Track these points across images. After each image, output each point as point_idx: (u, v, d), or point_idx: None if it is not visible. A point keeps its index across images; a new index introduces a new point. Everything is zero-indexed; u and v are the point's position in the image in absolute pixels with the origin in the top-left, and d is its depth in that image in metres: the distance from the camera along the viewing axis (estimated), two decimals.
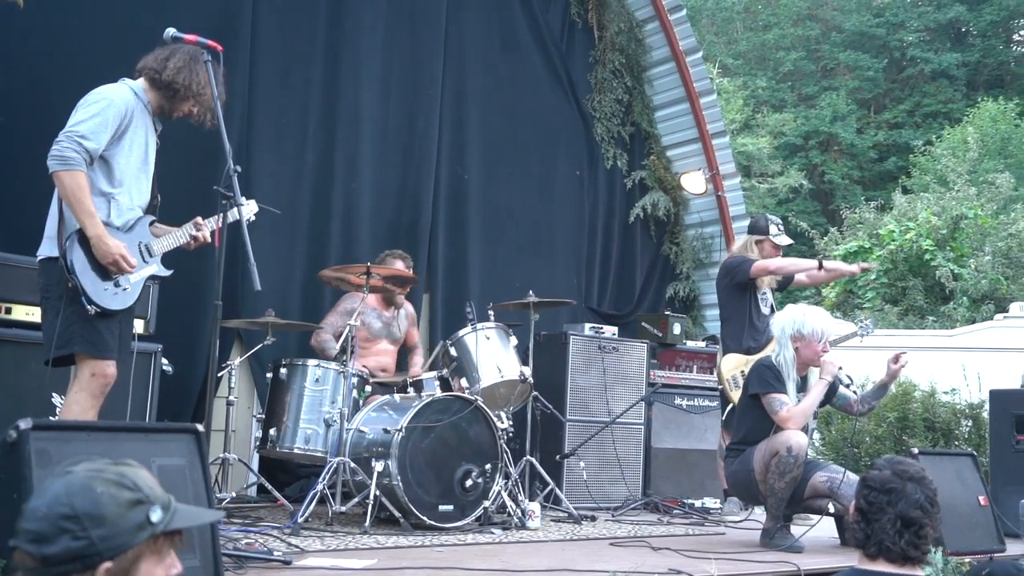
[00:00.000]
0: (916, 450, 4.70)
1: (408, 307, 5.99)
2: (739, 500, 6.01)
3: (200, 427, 3.00)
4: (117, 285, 3.58)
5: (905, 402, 8.03)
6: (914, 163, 22.46)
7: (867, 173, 26.98)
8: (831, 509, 4.54)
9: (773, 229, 5.78)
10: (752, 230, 5.92)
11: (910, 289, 15.44)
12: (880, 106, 28.10)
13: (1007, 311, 11.47)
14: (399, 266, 5.72)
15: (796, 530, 4.58)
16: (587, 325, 6.54)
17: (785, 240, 5.82)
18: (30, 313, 4.38)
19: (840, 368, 4.55)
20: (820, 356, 4.56)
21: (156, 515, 1.56)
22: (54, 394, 4.29)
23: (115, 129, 3.59)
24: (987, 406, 6.58)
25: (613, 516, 5.61)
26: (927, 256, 15.27)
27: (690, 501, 6.22)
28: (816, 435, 8.44)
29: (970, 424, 7.89)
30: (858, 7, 28.95)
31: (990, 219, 16.22)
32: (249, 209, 4.05)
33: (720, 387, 5.80)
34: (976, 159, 20.22)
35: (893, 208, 18.24)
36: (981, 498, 4.86)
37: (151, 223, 3.81)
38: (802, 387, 4.71)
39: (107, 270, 3.55)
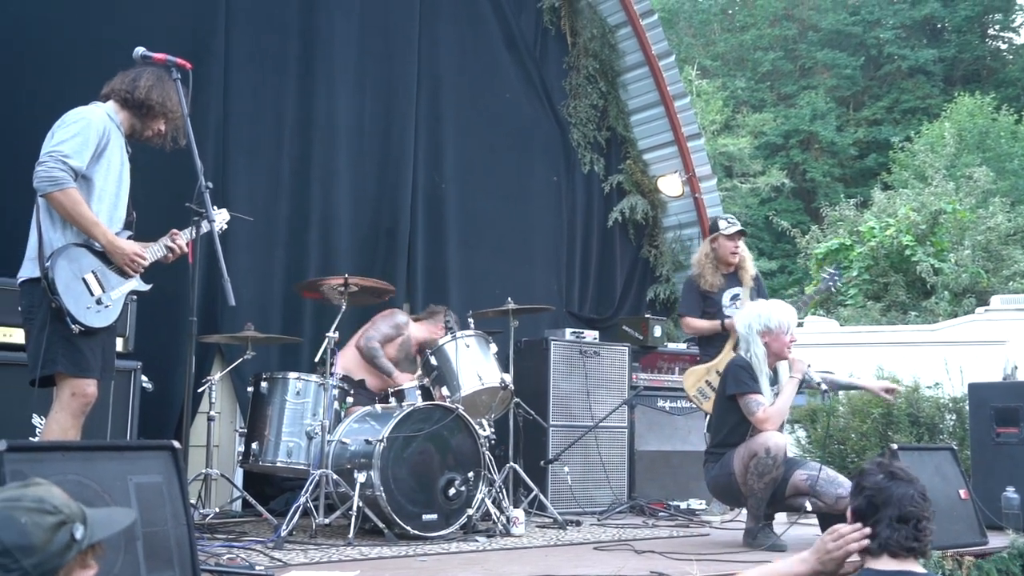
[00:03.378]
0: (895, 446, 4.73)
1: None
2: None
3: (177, 444, 3.00)
4: (99, 303, 3.60)
5: None
6: (893, 159, 22.60)
7: (848, 170, 27.16)
8: (808, 507, 4.57)
9: (723, 224, 5.91)
10: (707, 235, 6.06)
11: (892, 285, 15.53)
12: (859, 103, 28.29)
13: (988, 304, 11.54)
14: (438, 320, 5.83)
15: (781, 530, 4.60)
16: (568, 330, 6.55)
17: (734, 228, 5.90)
18: (7, 334, 4.39)
19: (809, 366, 4.58)
20: (788, 349, 4.60)
21: (79, 532, 1.60)
22: (34, 415, 4.28)
23: (95, 148, 3.62)
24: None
25: (598, 520, 5.63)
26: (907, 252, 15.37)
27: (675, 503, 6.24)
28: (801, 432, 8.48)
29: (954, 418, 7.93)
30: (834, 6, 29.16)
31: (969, 213, 16.33)
32: (221, 218, 4.07)
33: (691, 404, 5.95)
34: (954, 154, 20.36)
35: (873, 205, 18.35)
36: (962, 492, 4.87)
37: (127, 239, 3.83)
38: (773, 380, 4.73)
39: (90, 287, 3.58)
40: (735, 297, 5.82)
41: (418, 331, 5.82)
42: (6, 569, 1.51)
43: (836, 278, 6.18)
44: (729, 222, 5.90)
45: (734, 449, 4.60)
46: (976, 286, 15.21)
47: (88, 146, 3.59)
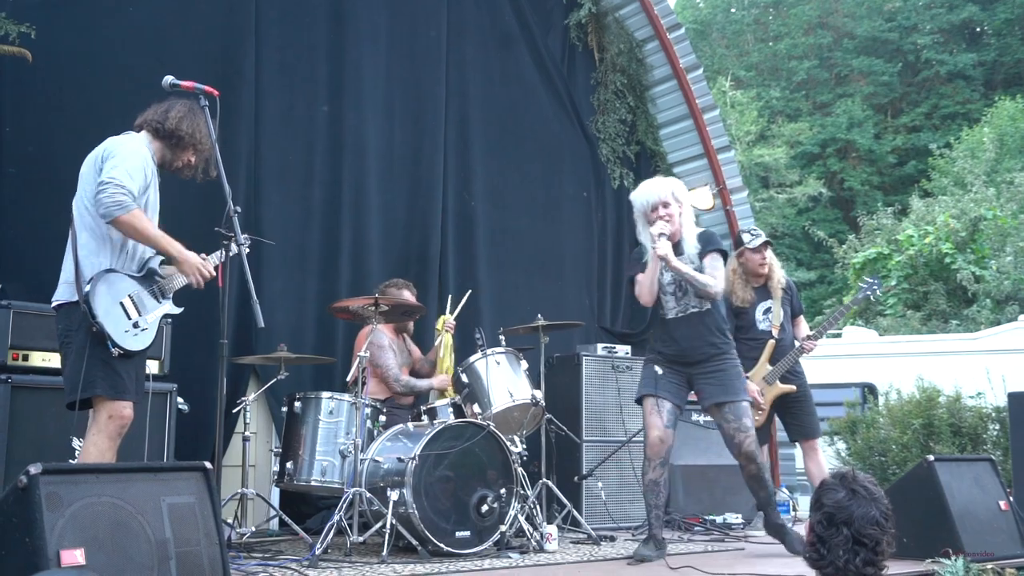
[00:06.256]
0: (932, 457, 4.67)
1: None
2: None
3: (208, 464, 3.05)
4: (136, 326, 3.69)
5: (930, 408, 7.95)
6: (933, 166, 22.31)
7: (887, 178, 26.84)
8: None
9: (747, 237, 5.85)
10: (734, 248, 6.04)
11: (932, 293, 15.32)
12: (897, 110, 27.98)
13: None
14: (405, 295, 5.82)
15: None
16: (600, 345, 6.55)
17: (759, 240, 5.81)
18: (46, 359, 4.48)
19: (661, 235, 4.47)
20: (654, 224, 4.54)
21: None
22: (73, 438, 4.36)
23: (144, 177, 3.72)
24: None
25: (633, 536, 5.60)
26: (947, 259, 15.16)
27: (711, 517, 6.19)
28: (841, 444, 8.38)
29: (997, 428, 7.80)
30: (869, 12, 28.91)
31: (1010, 219, 16.06)
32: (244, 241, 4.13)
33: None
34: (994, 159, 20.06)
35: (911, 213, 18.14)
36: (1002, 503, 4.80)
37: (159, 264, 3.90)
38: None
39: (127, 312, 3.66)
40: (767, 311, 5.77)
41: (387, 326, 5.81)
42: None
43: (875, 287, 6.10)
44: (752, 234, 5.84)
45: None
46: (1019, 293, 14.95)
47: (139, 172, 3.70)
